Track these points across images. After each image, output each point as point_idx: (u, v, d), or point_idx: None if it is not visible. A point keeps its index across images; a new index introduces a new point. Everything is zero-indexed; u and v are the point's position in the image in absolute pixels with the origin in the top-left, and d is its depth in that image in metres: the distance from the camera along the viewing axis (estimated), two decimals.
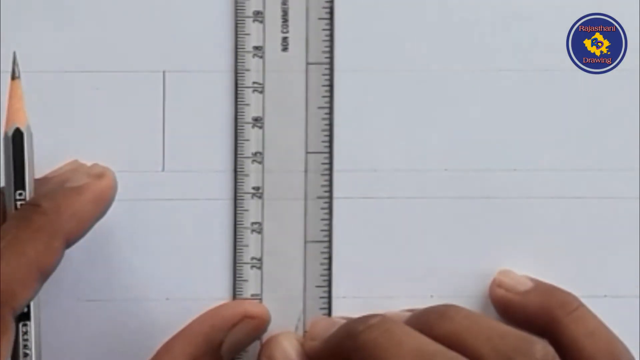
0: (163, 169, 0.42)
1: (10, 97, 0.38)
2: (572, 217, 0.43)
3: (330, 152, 0.42)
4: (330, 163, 0.42)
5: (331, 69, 0.42)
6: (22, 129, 0.38)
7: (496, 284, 0.42)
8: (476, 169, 0.43)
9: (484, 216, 0.43)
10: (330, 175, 0.42)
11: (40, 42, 0.42)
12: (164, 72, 0.42)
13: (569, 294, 0.41)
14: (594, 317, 0.40)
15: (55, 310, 0.42)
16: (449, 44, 0.43)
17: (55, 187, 0.38)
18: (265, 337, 0.42)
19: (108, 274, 0.42)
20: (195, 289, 0.41)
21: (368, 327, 0.37)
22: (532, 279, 0.42)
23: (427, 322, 0.38)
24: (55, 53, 0.42)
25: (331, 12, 0.42)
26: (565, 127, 0.43)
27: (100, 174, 0.39)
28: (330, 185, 0.42)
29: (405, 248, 0.43)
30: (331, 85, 0.42)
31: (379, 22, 0.42)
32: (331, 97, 0.42)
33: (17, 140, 0.38)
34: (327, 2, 0.42)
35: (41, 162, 0.42)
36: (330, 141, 0.42)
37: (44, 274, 0.36)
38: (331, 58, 0.42)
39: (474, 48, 0.43)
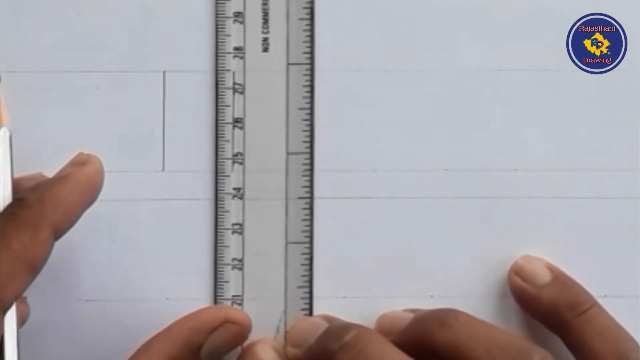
0: (163, 169, 0.42)
1: None
2: (572, 217, 0.43)
3: (311, 153, 0.42)
4: (311, 164, 0.42)
5: (312, 70, 0.42)
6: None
7: (514, 271, 0.42)
8: (476, 169, 0.43)
9: (484, 216, 0.43)
10: (311, 175, 0.42)
11: (40, 42, 0.42)
12: (164, 72, 0.42)
13: (582, 293, 0.41)
14: (605, 316, 0.40)
15: (55, 310, 0.42)
16: (448, 44, 0.43)
17: (43, 180, 0.38)
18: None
19: (108, 274, 0.42)
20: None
21: (342, 346, 0.37)
22: (552, 269, 0.42)
23: (427, 329, 0.38)
24: (55, 53, 0.42)
25: (312, 13, 0.42)
26: (565, 127, 0.43)
27: (83, 161, 0.38)
28: (311, 185, 0.42)
29: (405, 248, 0.43)
30: (312, 86, 0.42)
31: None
32: (312, 97, 0.42)
33: None
34: (307, 2, 0.42)
35: (41, 162, 0.42)
36: (311, 142, 0.42)
37: (33, 267, 0.36)
38: (312, 58, 0.42)
39: (474, 48, 0.43)
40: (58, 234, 0.37)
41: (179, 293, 0.42)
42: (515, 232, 0.43)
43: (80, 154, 0.39)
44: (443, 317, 0.38)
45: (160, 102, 0.42)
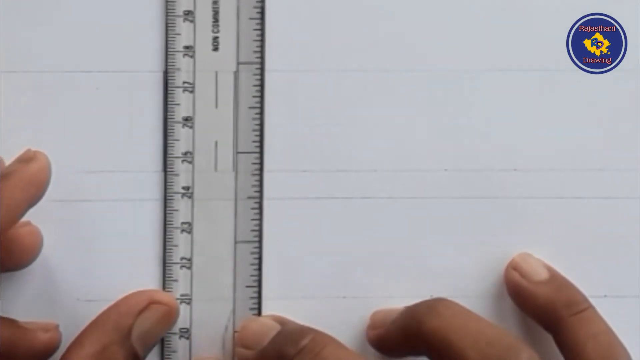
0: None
1: None
2: (572, 217, 0.43)
3: (261, 152, 0.42)
4: (261, 163, 0.42)
5: (262, 69, 0.42)
6: None
7: (512, 266, 0.42)
8: (476, 169, 0.43)
9: (484, 216, 0.43)
10: (261, 175, 0.42)
11: (40, 42, 0.42)
12: (164, 72, 0.42)
13: (579, 294, 0.41)
14: (600, 320, 0.40)
15: (55, 310, 0.42)
16: (443, 45, 0.43)
17: None
18: (195, 350, 0.42)
19: (108, 274, 0.42)
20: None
21: (300, 350, 0.37)
22: (549, 269, 0.42)
23: (417, 315, 0.38)
24: (55, 53, 0.42)
25: (262, 12, 0.42)
26: (565, 127, 0.43)
27: (29, 158, 0.38)
28: (261, 185, 0.42)
29: (405, 248, 0.43)
30: (262, 85, 0.42)
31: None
32: (262, 97, 0.42)
33: None
34: (257, 2, 0.42)
35: None
36: (261, 141, 0.42)
37: None
38: (262, 58, 0.42)
39: (473, 48, 0.43)
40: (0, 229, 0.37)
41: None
42: (515, 232, 0.43)
43: (28, 150, 0.39)
44: (433, 304, 0.39)
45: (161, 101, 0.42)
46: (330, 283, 0.42)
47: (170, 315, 0.41)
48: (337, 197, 0.43)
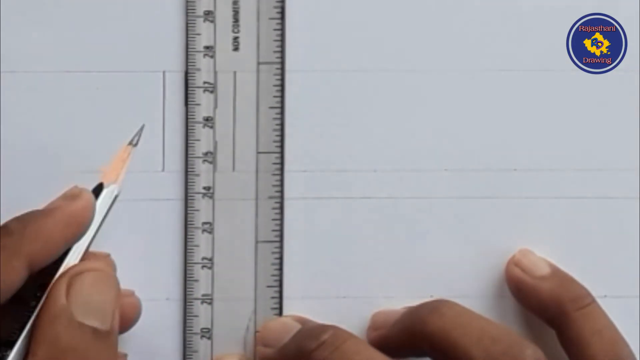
0: (163, 169, 0.42)
1: (117, 158, 0.39)
2: (572, 217, 0.43)
3: (282, 152, 0.42)
4: (282, 163, 0.42)
5: (282, 69, 0.42)
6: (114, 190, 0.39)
7: (514, 262, 0.42)
8: (476, 169, 0.43)
9: (484, 216, 0.43)
10: (282, 175, 0.42)
11: (40, 42, 0.42)
12: (164, 72, 0.42)
13: (583, 289, 0.41)
14: (604, 316, 0.40)
15: None
16: (443, 45, 0.43)
17: (31, 211, 0.37)
18: (216, 350, 0.42)
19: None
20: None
21: (319, 345, 0.37)
22: (550, 265, 0.42)
23: (419, 317, 0.38)
24: (55, 53, 0.42)
25: (282, 12, 0.42)
26: (565, 127, 0.43)
27: (74, 195, 0.37)
28: (282, 185, 0.42)
29: (405, 248, 0.43)
30: (282, 85, 0.42)
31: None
32: (282, 97, 0.42)
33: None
34: (278, 2, 0.42)
35: (41, 162, 0.42)
36: (282, 141, 0.42)
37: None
38: (282, 58, 0.42)
39: (473, 48, 0.43)
40: (34, 265, 0.36)
41: (181, 293, 0.42)
42: (515, 232, 0.43)
43: (74, 187, 0.38)
44: (436, 305, 0.39)
45: (161, 101, 0.42)
46: (338, 283, 0.43)
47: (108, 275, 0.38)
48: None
